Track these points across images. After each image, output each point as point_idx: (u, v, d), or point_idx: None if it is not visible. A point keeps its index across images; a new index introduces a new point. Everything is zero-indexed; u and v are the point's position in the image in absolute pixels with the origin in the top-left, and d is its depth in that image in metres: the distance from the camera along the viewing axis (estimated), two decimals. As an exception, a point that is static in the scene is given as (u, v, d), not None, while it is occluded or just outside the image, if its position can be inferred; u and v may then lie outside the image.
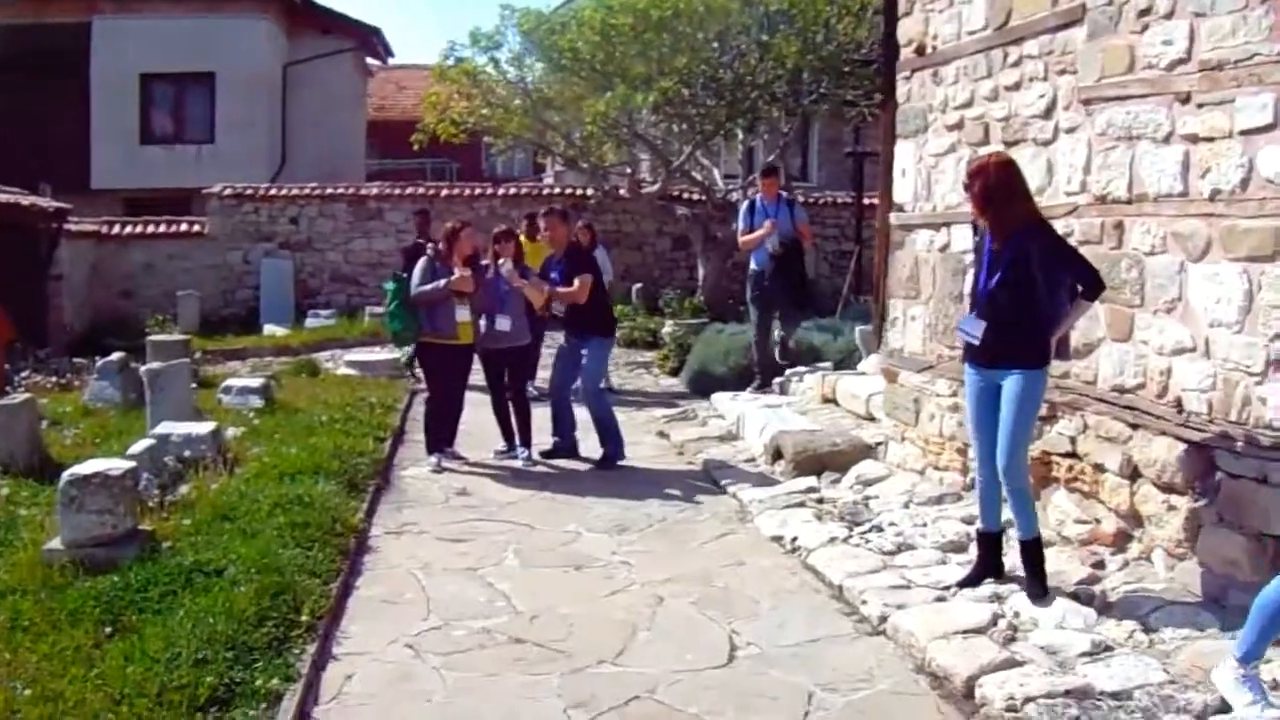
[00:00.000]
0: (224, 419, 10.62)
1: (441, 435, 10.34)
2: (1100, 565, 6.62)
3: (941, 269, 8.65)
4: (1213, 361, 5.99)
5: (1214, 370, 5.98)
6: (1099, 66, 6.80)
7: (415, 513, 8.69)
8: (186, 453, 8.67)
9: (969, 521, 7.54)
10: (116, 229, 23.19)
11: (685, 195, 22.43)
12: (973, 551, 6.92)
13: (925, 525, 7.73)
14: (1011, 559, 6.64)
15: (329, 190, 24.15)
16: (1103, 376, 6.87)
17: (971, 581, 6.51)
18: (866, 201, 20.34)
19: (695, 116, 20.14)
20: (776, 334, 13.61)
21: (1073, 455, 7.14)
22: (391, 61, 36.69)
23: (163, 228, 23.47)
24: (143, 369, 10.97)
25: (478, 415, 10.89)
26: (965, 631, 5.76)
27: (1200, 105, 6.00)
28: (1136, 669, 5.25)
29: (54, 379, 14.52)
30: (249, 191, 23.80)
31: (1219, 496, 5.94)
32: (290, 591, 6.08)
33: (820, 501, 8.67)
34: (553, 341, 11.37)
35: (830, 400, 11.84)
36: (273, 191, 24.16)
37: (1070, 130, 7.13)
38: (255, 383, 12.39)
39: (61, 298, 20.57)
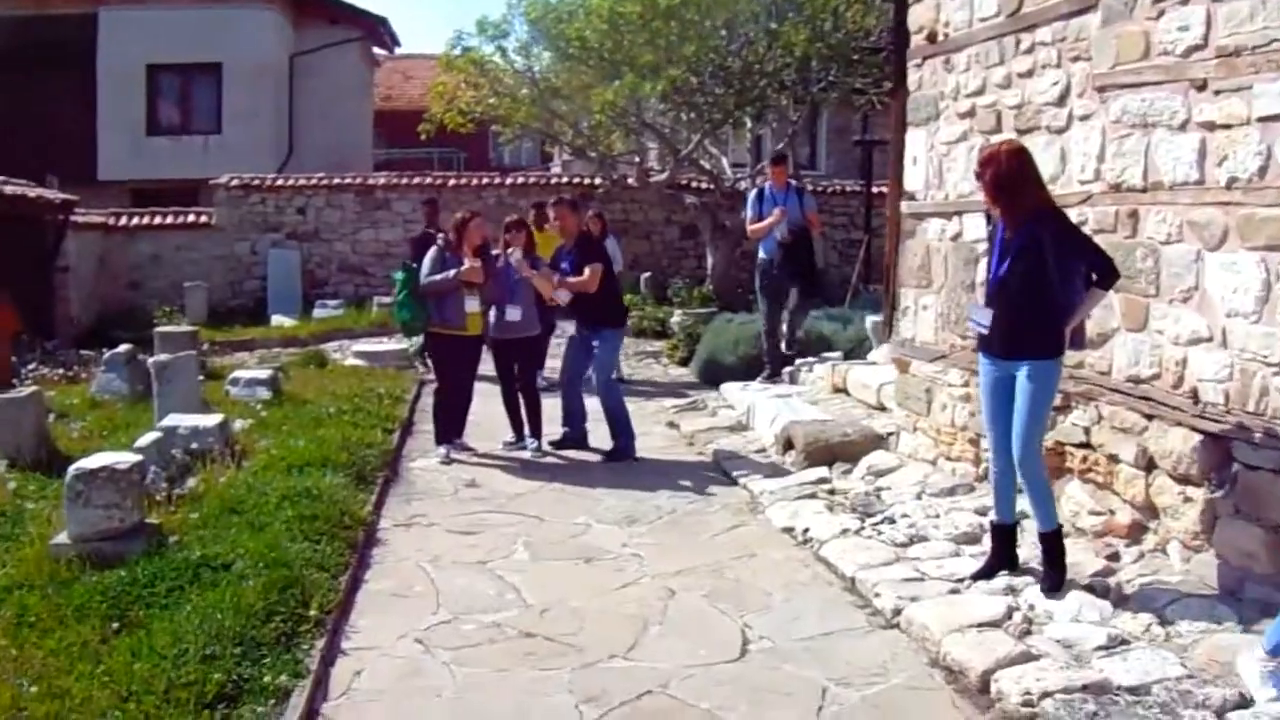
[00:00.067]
0: (231, 411, 10.56)
1: (450, 426, 10.29)
2: (1115, 557, 6.55)
3: (953, 258, 8.58)
4: (1230, 352, 5.92)
5: (1231, 360, 5.91)
6: (1113, 53, 6.72)
7: (424, 505, 8.65)
8: (194, 445, 8.62)
9: (982, 513, 7.49)
10: (123, 220, 23.21)
11: (693, 184, 22.39)
12: (986, 543, 6.86)
13: (938, 516, 7.67)
14: (1025, 551, 6.60)
15: (336, 180, 24.13)
16: (1117, 367, 6.80)
17: (985, 574, 6.45)
18: (875, 190, 20.29)
19: (703, 105, 20.05)
20: (785, 324, 13.54)
21: (1087, 446, 7.09)
22: (398, 51, 36.64)
23: (170, 219, 23.47)
24: (150, 361, 10.95)
25: (487, 406, 10.84)
26: (980, 625, 5.70)
27: (1217, 92, 5.92)
28: (1154, 663, 5.19)
29: (61, 371, 14.53)
30: (256, 182, 23.80)
31: (1236, 488, 5.88)
32: (298, 586, 6.03)
33: (832, 492, 8.61)
34: (563, 332, 11.28)
35: (841, 390, 11.78)
36: (280, 182, 24.16)
37: (1084, 118, 7.05)
38: (263, 374, 12.34)
39: (68, 289, 20.56)
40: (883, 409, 10.50)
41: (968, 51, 8.37)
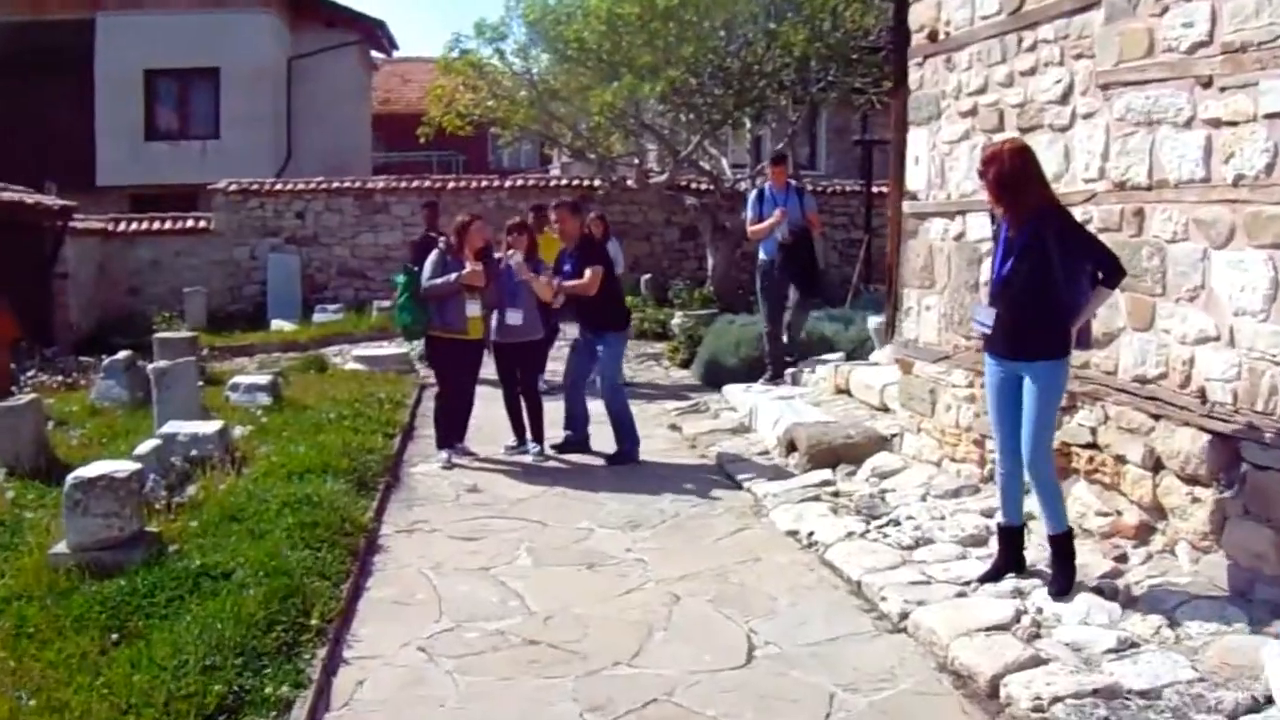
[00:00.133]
0: (231, 417, 10.51)
1: (452, 431, 10.24)
2: (1123, 558, 6.50)
3: (956, 258, 8.53)
4: (1237, 350, 5.87)
5: (1239, 359, 5.86)
6: (1117, 50, 6.67)
7: (426, 510, 8.59)
8: (194, 452, 8.55)
9: (988, 514, 7.44)
10: (122, 226, 23.14)
11: (693, 185, 22.35)
12: (992, 545, 6.81)
13: (943, 518, 7.62)
14: (1032, 553, 6.55)
15: (335, 184, 24.07)
16: (1123, 366, 6.75)
17: (992, 576, 6.39)
18: (875, 190, 20.25)
19: (703, 106, 20.02)
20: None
21: (1093, 446, 7.04)
22: (396, 54, 36.58)
23: (169, 224, 23.41)
24: (149, 367, 10.89)
25: (488, 410, 10.79)
26: (988, 629, 5.65)
27: (1223, 89, 5.87)
28: (1164, 666, 5.14)
29: (60, 378, 14.47)
30: (255, 186, 23.74)
31: (1245, 488, 5.83)
32: (300, 594, 5.98)
33: (836, 495, 8.56)
34: (565, 336, 11.22)
35: (844, 391, 11.72)
36: (279, 186, 24.10)
37: (1088, 116, 6.99)
38: (263, 380, 12.29)
39: (67, 296, 20.49)
40: (886, 410, 10.45)
41: (969, 50, 8.32)
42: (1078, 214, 6.51)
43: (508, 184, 24.57)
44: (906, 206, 9.37)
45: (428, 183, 24.46)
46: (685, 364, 15.88)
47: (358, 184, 24.39)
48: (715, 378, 13.96)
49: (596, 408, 10.41)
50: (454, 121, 20.73)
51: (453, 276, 9.75)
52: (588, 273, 10.03)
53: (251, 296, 23.20)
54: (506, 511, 8.58)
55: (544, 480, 9.53)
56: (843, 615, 6.28)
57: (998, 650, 5.37)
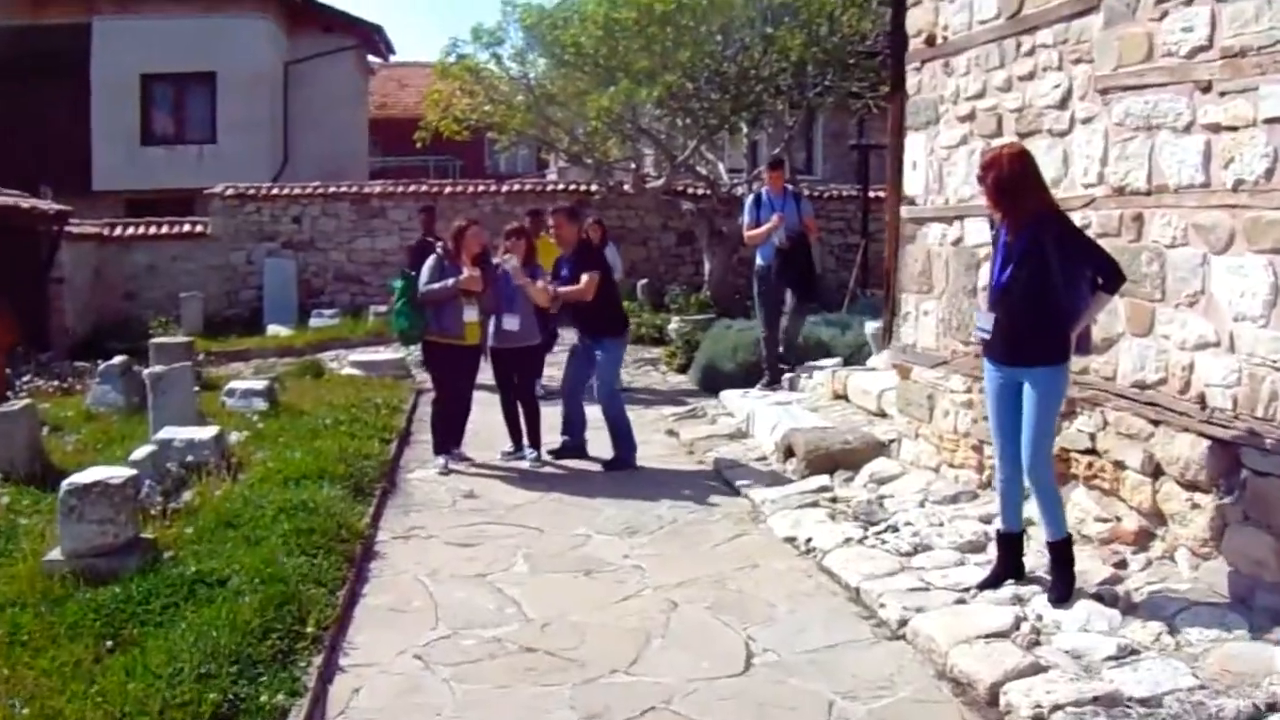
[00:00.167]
0: (227, 422, 10.49)
1: (449, 436, 10.21)
2: (1122, 565, 6.48)
3: (955, 263, 8.50)
4: (1237, 356, 5.84)
5: (1239, 365, 5.84)
6: (1116, 55, 6.65)
7: (422, 516, 8.56)
8: (189, 458, 8.53)
9: (986, 521, 7.43)
10: (118, 230, 23.06)
11: (690, 190, 22.31)
12: (991, 552, 6.79)
13: (942, 525, 7.59)
14: (1031, 559, 6.52)
15: (332, 189, 24.00)
16: (1122, 372, 6.72)
17: (991, 583, 6.37)
18: (872, 194, 20.23)
19: (699, 110, 19.99)
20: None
21: (1092, 452, 7.02)
22: (393, 59, 36.57)
23: (165, 229, 23.33)
24: (145, 372, 10.85)
25: (485, 416, 10.76)
26: (987, 636, 5.61)
27: (1223, 93, 5.85)
28: (1165, 673, 5.12)
29: (56, 383, 14.42)
30: (251, 191, 23.67)
31: (1245, 494, 5.82)
32: (295, 601, 5.95)
33: (834, 501, 8.53)
34: (564, 341, 11.19)
35: (841, 396, 11.69)
36: (275, 191, 24.03)
37: (1086, 120, 6.98)
38: (259, 385, 12.26)
39: (63, 301, 20.41)
40: (883, 415, 10.42)
41: (967, 54, 8.29)
42: (1077, 219, 6.49)
43: (504, 189, 24.51)
44: (904, 211, 9.35)
45: (424, 187, 24.37)
46: (682, 369, 15.85)
47: (354, 189, 24.33)
48: (712, 383, 13.93)
49: (594, 413, 10.37)
50: (451, 126, 20.68)
51: (450, 282, 9.72)
52: (584, 278, 10.00)
53: (248, 301, 23.13)
54: (503, 517, 8.55)
55: (541, 486, 9.50)
56: (841, 622, 6.25)
57: (997, 658, 5.34)
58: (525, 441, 10.40)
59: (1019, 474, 6.16)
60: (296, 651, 5.53)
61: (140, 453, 8.27)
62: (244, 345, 19.54)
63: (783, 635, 6.05)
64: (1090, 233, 6.51)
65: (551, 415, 10.63)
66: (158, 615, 5.73)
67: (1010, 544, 6.43)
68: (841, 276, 20.86)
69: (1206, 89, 5.97)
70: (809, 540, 7.55)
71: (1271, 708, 4.73)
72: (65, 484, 6.45)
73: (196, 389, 11.35)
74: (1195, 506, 6.13)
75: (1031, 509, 6.39)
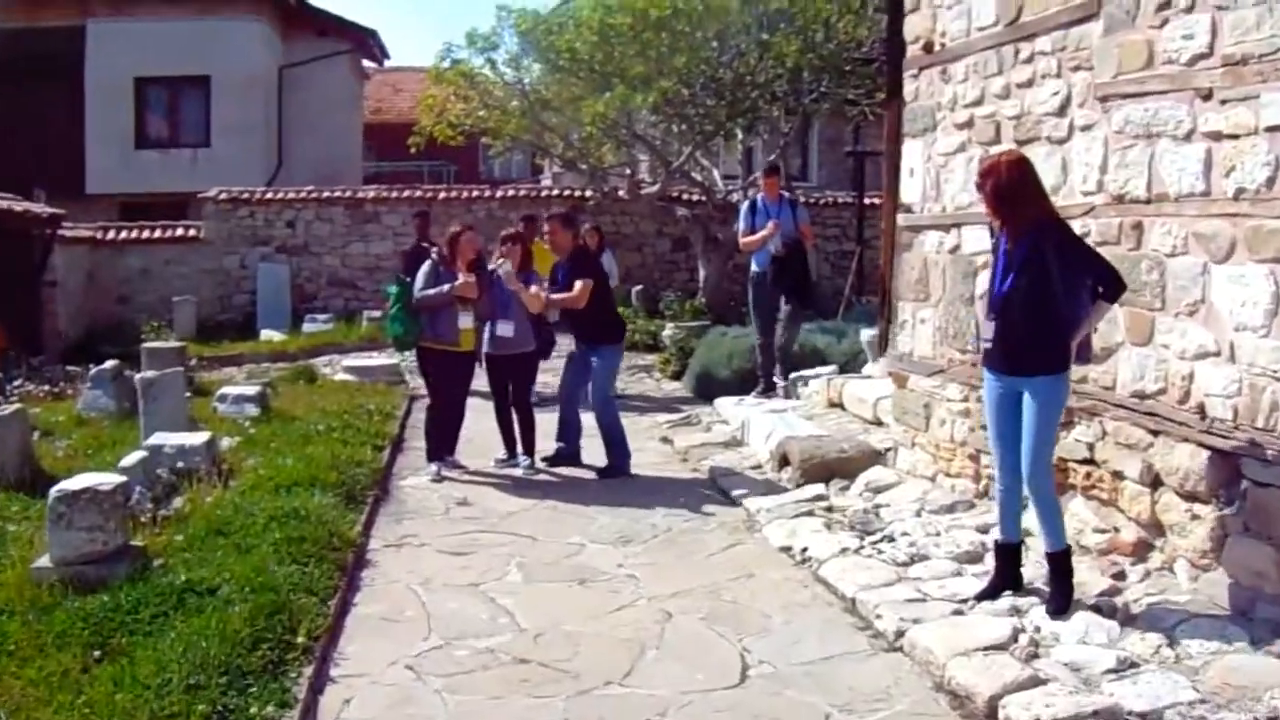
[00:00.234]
0: (219, 428, 10.42)
1: (442, 443, 10.15)
2: (1121, 576, 6.43)
3: (952, 271, 8.46)
4: (1238, 366, 5.80)
5: (1239, 375, 5.79)
6: (1115, 62, 6.61)
7: (415, 524, 8.49)
8: (180, 464, 8.47)
9: (983, 530, 7.39)
10: (112, 234, 23.02)
11: (685, 196, 22.27)
12: (988, 562, 6.74)
13: (938, 534, 7.54)
14: (1029, 570, 6.47)
15: (326, 193, 23.97)
16: (1121, 382, 6.68)
17: (989, 594, 6.31)
18: (868, 201, 20.23)
19: (695, 116, 19.96)
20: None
21: (1090, 462, 6.97)
22: (388, 64, 36.60)
23: (158, 233, 23.28)
24: (136, 377, 10.78)
25: (480, 423, 10.69)
26: (985, 648, 5.55)
27: (1223, 101, 5.81)
28: (1165, 687, 5.06)
29: (47, 387, 14.32)
30: (245, 195, 23.62)
31: (1245, 505, 5.77)
32: (286, 611, 5.87)
33: (829, 510, 8.47)
34: (562, 349, 11.13)
35: (837, 404, 11.65)
36: (269, 195, 23.99)
37: (1086, 128, 6.94)
38: (251, 390, 12.18)
39: (56, 304, 20.35)
40: (879, 424, 10.38)
41: (965, 61, 8.26)
42: (1076, 227, 6.43)
43: (499, 194, 24.49)
44: (901, 219, 9.30)
45: (419, 193, 24.35)
46: (677, 376, 15.81)
47: (348, 193, 24.30)
48: (707, 390, 13.89)
49: (588, 420, 10.32)
50: (445, 131, 20.63)
51: (445, 288, 9.67)
52: (577, 285, 9.95)
53: (241, 306, 23.07)
54: (497, 525, 8.48)
55: (535, 494, 9.44)
56: (837, 633, 6.19)
57: (996, 670, 5.28)
58: (519, 449, 10.33)
59: (1018, 484, 6.11)
60: (287, 662, 5.46)
61: (131, 459, 8.19)
62: (237, 350, 19.47)
63: (778, 646, 5.99)
64: (1089, 241, 6.46)
65: (545, 422, 10.57)
66: (147, 624, 5.66)
67: (1008, 555, 6.38)
68: (837, 283, 20.85)
69: (1207, 97, 5.93)
70: (805, 550, 7.49)
71: (1275, 722, 4.68)
72: (54, 491, 6.37)
73: (188, 394, 11.28)
74: (1195, 517, 6.08)
75: (1030, 519, 6.35)
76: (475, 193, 24.57)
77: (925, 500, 8.33)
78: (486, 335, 10.12)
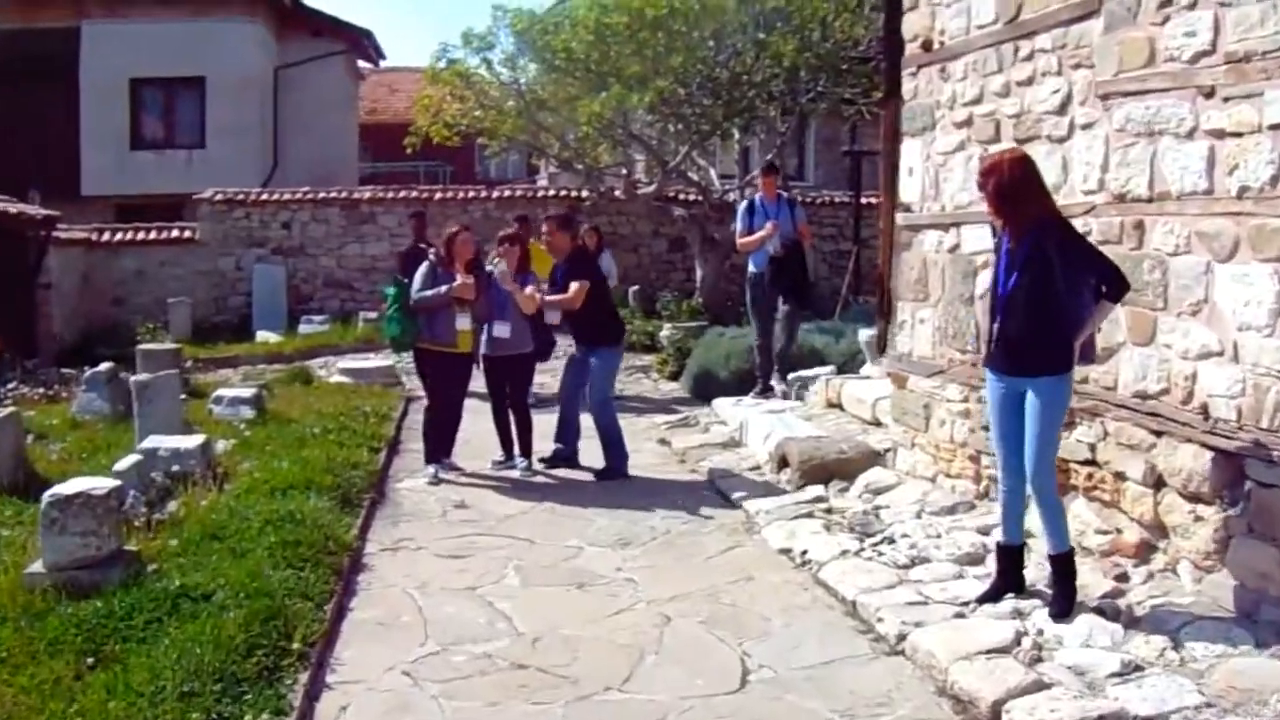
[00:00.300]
0: (214, 431, 10.36)
1: (439, 445, 10.09)
2: (1123, 578, 6.38)
3: (951, 270, 8.40)
4: (1241, 366, 5.75)
5: (1243, 375, 5.74)
6: (1117, 60, 6.56)
7: (412, 527, 8.43)
8: (175, 468, 8.39)
9: (984, 532, 7.34)
10: (107, 236, 22.96)
11: (682, 196, 22.24)
12: (990, 564, 6.69)
13: (939, 536, 7.48)
14: (1031, 573, 6.41)
15: (321, 194, 23.90)
16: (1123, 382, 6.63)
17: (991, 597, 6.25)
18: (865, 201, 20.19)
19: (691, 116, 19.92)
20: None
21: (1092, 463, 6.92)
22: (383, 64, 36.47)
23: (154, 234, 23.21)
24: (131, 380, 10.72)
25: (476, 424, 10.64)
26: (988, 651, 5.49)
27: (1226, 99, 5.76)
28: (1170, 690, 5.01)
29: (42, 390, 14.27)
30: (240, 196, 23.55)
31: (1249, 506, 5.72)
32: (281, 616, 5.81)
33: (829, 511, 8.41)
34: (563, 350, 11.07)
35: (835, 405, 11.60)
36: (264, 196, 23.93)
37: (1086, 126, 6.88)
38: (247, 393, 12.12)
39: (51, 307, 20.28)
40: (878, 424, 10.33)
41: (964, 59, 8.20)
42: (1077, 226, 6.38)
43: (495, 195, 24.46)
44: (900, 218, 9.24)
45: (414, 193, 24.29)
46: (674, 376, 15.75)
47: (344, 194, 24.23)
48: (705, 391, 13.83)
49: (585, 422, 10.27)
50: (441, 132, 20.60)
51: (443, 289, 9.62)
52: (573, 287, 9.89)
53: (237, 307, 23.01)
54: (494, 528, 8.42)
55: (532, 496, 9.38)
56: (838, 637, 6.14)
57: (999, 674, 5.22)
58: (516, 450, 10.27)
59: (1021, 485, 6.05)
60: (282, 668, 5.40)
61: (125, 462, 8.14)
62: (232, 352, 19.44)
63: (779, 650, 5.93)
64: (1090, 240, 6.41)
65: (543, 423, 10.51)
66: (140, 631, 5.59)
67: (1011, 557, 6.32)
68: (834, 283, 20.82)
69: (1210, 94, 5.88)
70: (804, 552, 7.44)
71: (1281, 726, 4.63)
72: (47, 495, 6.31)
73: (183, 396, 11.22)
74: (1198, 519, 6.03)
75: (1032, 521, 6.30)
76: (471, 193, 24.53)
77: (925, 502, 8.28)
78: (484, 336, 10.06)
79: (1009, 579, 6.30)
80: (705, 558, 7.68)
